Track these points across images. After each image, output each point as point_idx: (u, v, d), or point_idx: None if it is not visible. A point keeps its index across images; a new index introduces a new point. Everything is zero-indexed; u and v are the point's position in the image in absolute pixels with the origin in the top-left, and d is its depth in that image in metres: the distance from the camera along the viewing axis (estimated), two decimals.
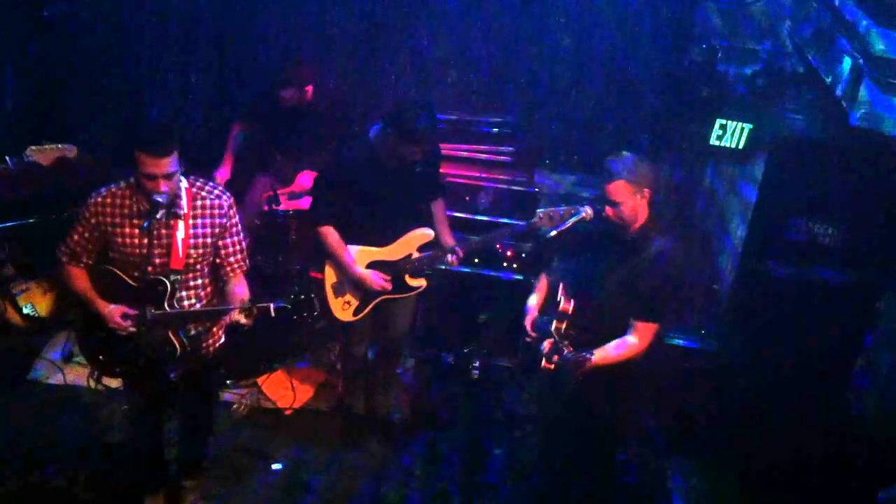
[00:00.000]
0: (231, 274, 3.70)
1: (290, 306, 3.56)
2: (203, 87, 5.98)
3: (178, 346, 3.59)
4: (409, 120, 4.01)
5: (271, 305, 3.49)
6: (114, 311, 3.54)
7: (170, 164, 3.34)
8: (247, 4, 5.80)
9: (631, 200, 3.49)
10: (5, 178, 4.57)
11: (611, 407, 3.73)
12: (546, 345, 3.54)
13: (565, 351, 3.44)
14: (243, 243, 3.73)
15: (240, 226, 3.70)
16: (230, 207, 3.63)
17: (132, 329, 3.54)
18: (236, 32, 5.88)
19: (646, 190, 3.50)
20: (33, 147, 4.36)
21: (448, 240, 4.44)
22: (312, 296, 3.58)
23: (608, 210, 3.53)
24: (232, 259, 3.68)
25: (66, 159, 4.45)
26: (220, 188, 3.67)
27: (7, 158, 4.40)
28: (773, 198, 4.46)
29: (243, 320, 3.49)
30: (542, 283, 3.91)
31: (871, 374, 4.46)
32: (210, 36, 5.86)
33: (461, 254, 4.38)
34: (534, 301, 3.85)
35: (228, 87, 6.00)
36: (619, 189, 3.48)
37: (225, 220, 3.61)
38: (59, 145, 4.42)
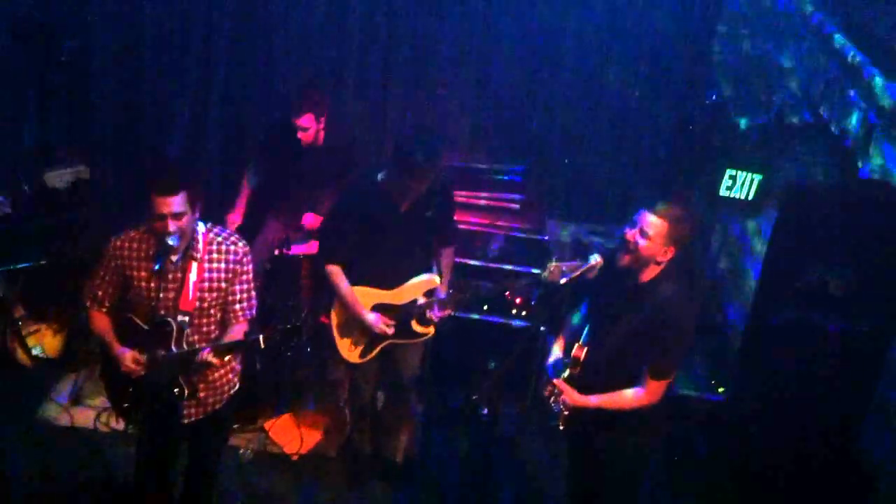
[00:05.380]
0: (234, 320, 3.73)
1: (277, 337, 3.55)
2: (219, 126, 6.04)
3: (185, 388, 3.60)
4: (407, 152, 3.98)
5: (261, 337, 3.51)
6: (126, 355, 3.57)
7: (177, 203, 3.37)
8: (263, 46, 5.89)
9: (658, 244, 3.38)
10: (24, 203, 4.60)
11: (626, 440, 3.70)
12: (547, 390, 3.65)
13: (552, 400, 3.61)
14: (253, 292, 3.76)
15: (251, 275, 3.73)
16: (244, 255, 3.68)
17: (141, 372, 3.55)
18: (251, 73, 5.96)
19: (672, 249, 3.41)
20: (49, 172, 4.39)
21: (441, 291, 4.41)
22: (299, 324, 3.58)
23: (624, 258, 3.45)
24: (237, 306, 3.71)
25: (80, 181, 4.50)
26: (237, 236, 3.72)
27: (24, 186, 4.44)
28: (784, 247, 4.45)
29: (213, 359, 3.54)
30: (564, 329, 3.91)
31: (884, 426, 4.42)
32: (225, 75, 5.94)
33: (441, 313, 4.35)
34: (556, 345, 3.85)
35: (243, 126, 6.06)
36: (655, 226, 3.36)
37: (238, 267, 3.65)
38: (73, 168, 4.46)
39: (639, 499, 4.01)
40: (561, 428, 3.65)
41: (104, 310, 3.69)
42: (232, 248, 3.64)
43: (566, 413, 3.61)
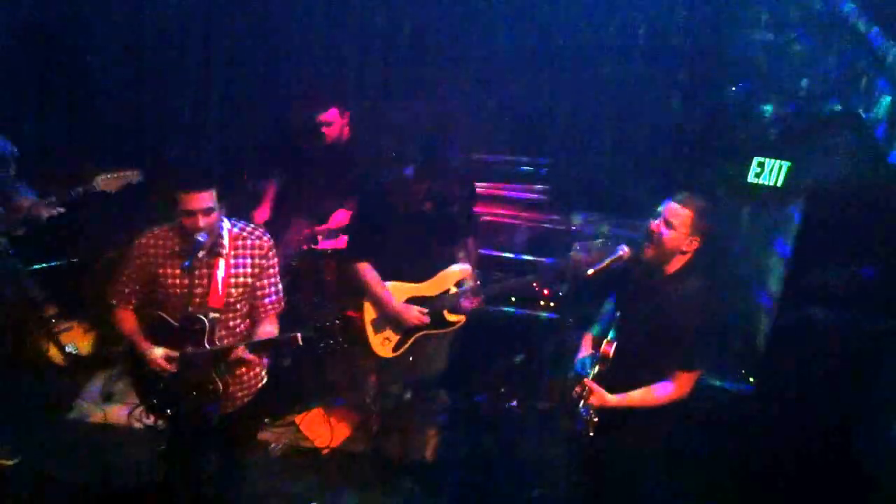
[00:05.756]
0: (263, 315, 3.74)
1: (313, 334, 3.57)
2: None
3: (219, 385, 3.62)
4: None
5: (299, 335, 3.52)
6: (157, 353, 3.59)
7: (207, 199, 3.41)
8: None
9: (682, 234, 3.40)
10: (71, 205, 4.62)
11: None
12: (575, 390, 3.57)
13: (581, 403, 3.50)
14: (279, 286, 3.78)
15: (278, 268, 3.75)
16: (270, 249, 3.70)
17: (173, 370, 3.56)
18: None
19: (697, 239, 3.43)
20: (100, 176, 4.43)
21: (471, 281, 4.46)
22: (336, 321, 3.59)
23: (649, 249, 3.46)
24: (266, 301, 3.73)
25: (132, 185, 4.53)
26: (262, 230, 3.74)
27: (73, 189, 4.47)
28: (811, 242, 4.41)
29: (248, 357, 3.54)
30: (592, 324, 3.91)
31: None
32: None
33: (474, 302, 4.41)
34: (584, 341, 3.84)
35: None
36: (680, 216, 3.39)
37: (264, 261, 3.68)
38: (125, 172, 4.49)
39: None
40: (591, 435, 3.55)
41: (130, 308, 3.71)
42: (258, 242, 3.67)
43: (595, 420, 3.51)
